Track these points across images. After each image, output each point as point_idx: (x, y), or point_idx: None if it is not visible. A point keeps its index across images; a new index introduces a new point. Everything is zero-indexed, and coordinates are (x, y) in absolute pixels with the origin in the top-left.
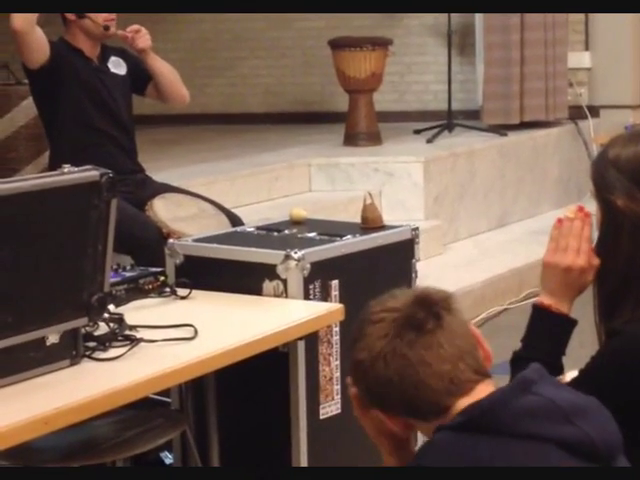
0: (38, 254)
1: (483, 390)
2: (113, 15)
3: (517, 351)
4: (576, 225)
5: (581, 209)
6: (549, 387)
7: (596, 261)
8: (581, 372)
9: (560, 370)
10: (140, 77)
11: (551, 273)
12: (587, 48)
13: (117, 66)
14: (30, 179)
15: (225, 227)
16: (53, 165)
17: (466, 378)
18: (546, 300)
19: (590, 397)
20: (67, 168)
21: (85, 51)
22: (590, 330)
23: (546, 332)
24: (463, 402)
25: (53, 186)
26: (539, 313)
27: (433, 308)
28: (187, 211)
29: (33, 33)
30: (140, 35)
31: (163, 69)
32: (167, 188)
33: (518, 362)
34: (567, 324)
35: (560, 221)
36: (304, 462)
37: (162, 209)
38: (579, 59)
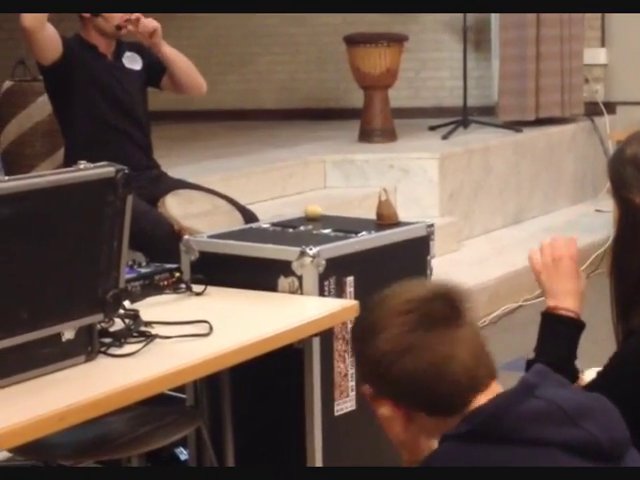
0: (53, 250)
1: (496, 388)
2: (127, 16)
3: (530, 360)
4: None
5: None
6: (553, 389)
7: (575, 249)
8: (599, 374)
9: (575, 374)
10: (155, 69)
11: (544, 274)
12: (603, 44)
13: (132, 61)
14: (46, 175)
15: (238, 224)
16: (68, 161)
17: (484, 374)
18: (551, 302)
19: (595, 395)
20: (83, 164)
21: (99, 47)
22: (603, 327)
23: (555, 336)
24: (480, 399)
25: (69, 182)
26: (547, 318)
27: (458, 304)
28: (199, 207)
29: (43, 31)
30: (141, 21)
31: (176, 58)
32: (182, 184)
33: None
34: (574, 326)
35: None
36: (319, 459)
37: (174, 206)
38: (595, 55)
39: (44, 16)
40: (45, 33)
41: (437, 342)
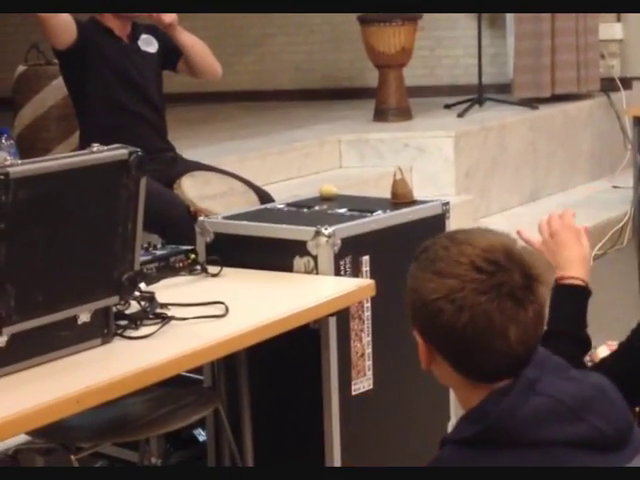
0: (68, 233)
1: None
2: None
3: (545, 331)
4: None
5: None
6: (553, 382)
7: (570, 219)
8: (620, 345)
9: (587, 342)
10: (171, 53)
11: (546, 251)
12: (619, 19)
13: (148, 44)
14: (59, 158)
15: (254, 205)
16: (83, 145)
17: (521, 363)
18: (557, 273)
19: (595, 382)
20: (96, 147)
21: (115, 30)
22: (623, 303)
23: (563, 306)
24: (500, 384)
25: (82, 165)
26: (555, 289)
27: (534, 283)
28: (215, 189)
29: (56, 17)
30: (157, 16)
31: (193, 43)
32: (198, 166)
33: (546, 339)
34: (580, 293)
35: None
36: (336, 439)
37: (190, 187)
38: (611, 30)
39: None
40: (58, 19)
41: (498, 315)
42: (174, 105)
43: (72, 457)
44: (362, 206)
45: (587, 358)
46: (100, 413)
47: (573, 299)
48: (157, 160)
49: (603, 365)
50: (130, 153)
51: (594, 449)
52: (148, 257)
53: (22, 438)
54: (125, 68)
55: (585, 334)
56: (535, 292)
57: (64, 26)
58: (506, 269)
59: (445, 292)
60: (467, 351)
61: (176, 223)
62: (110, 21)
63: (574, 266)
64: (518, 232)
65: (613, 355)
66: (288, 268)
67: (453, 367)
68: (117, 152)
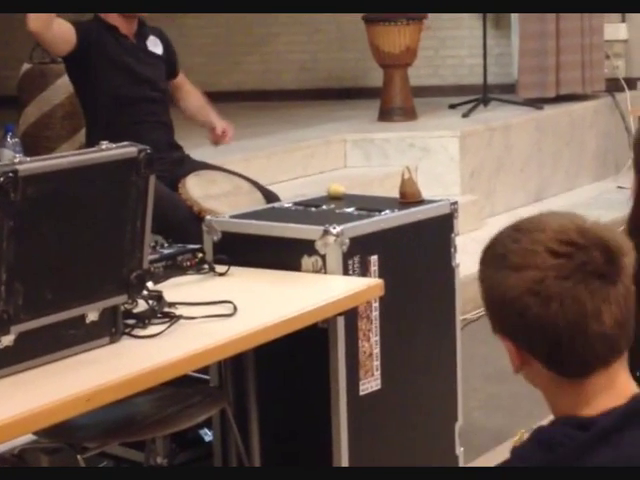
0: (77, 231)
1: (619, 369)
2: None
3: None
4: None
5: None
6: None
7: None
8: None
9: None
10: (171, 68)
11: None
12: (624, 20)
13: (155, 45)
14: (68, 156)
15: (259, 204)
16: (90, 143)
17: (620, 348)
18: None
19: None
20: (105, 145)
21: (120, 28)
22: None
23: None
24: (599, 379)
25: (91, 163)
26: None
27: (618, 258)
28: (221, 188)
29: (49, 32)
30: (224, 136)
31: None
32: (205, 166)
33: None
34: None
35: None
36: (344, 439)
37: (194, 187)
38: (615, 31)
39: (48, 17)
40: (52, 33)
41: (588, 297)
42: None
43: (78, 457)
44: (370, 205)
45: None
46: (106, 413)
47: None
48: (165, 160)
49: None
50: (139, 151)
51: None
52: (155, 256)
53: (27, 438)
54: (131, 65)
55: None
56: (620, 266)
57: (59, 37)
58: (584, 247)
59: (527, 285)
60: (559, 343)
61: (179, 225)
62: (114, 19)
63: None
64: None
65: None
66: (296, 267)
67: (545, 364)
68: (126, 150)
